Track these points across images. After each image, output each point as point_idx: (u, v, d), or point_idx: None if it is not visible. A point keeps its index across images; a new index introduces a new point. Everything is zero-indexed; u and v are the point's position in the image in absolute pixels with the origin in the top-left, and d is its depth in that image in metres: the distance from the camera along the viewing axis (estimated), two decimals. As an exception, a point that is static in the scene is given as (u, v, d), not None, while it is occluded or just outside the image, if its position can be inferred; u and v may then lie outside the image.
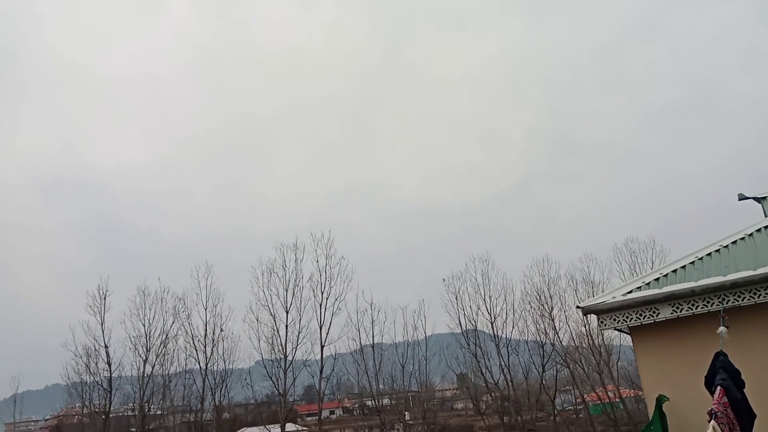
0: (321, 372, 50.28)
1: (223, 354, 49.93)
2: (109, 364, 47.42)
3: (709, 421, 4.93)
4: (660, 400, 9.12)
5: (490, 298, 51.40)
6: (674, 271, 10.20)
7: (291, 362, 50.04)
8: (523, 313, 51.20)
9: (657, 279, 10.10)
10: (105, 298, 48.31)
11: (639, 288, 9.92)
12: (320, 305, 49.95)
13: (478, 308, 51.59)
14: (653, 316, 9.48)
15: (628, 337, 9.97)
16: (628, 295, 9.77)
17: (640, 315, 9.58)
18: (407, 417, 52.26)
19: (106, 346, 47.51)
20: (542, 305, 50.79)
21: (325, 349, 50.24)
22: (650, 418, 9.08)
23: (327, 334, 50.01)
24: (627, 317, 9.66)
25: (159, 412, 52.51)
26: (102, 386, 47.67)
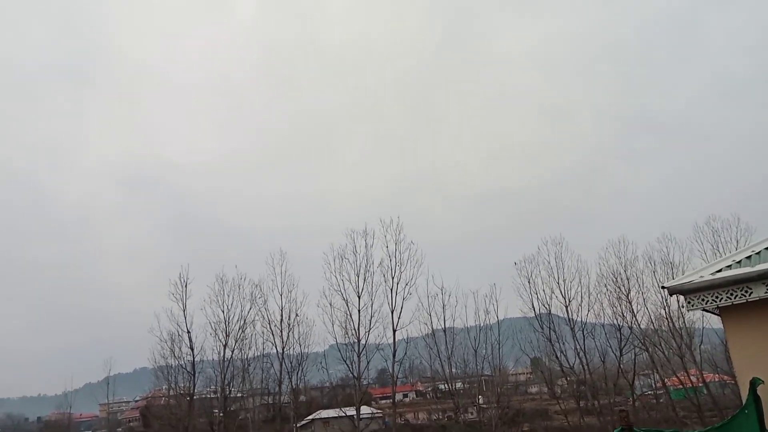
0: (394, 355, 50.84)
1: (299, 338, 51.34)
2: (192, 349, 49.63)
3: None
4: (754, 383, 8.81)
5: (564, 281, 50.48)
6: (767, 248, 9.80)
7: (364, 346, 50.77)
8: (598, 296, 50.05)
9: (749, 257, 9.70)
10: (186, 286, 50.51)
11: (729, 266, 9.55)
12: (391, 290, 50.43)
13: (552, 291, 50.79)
14: (746, 296, 9.04)
15: (712, 320, 9.71)
16: (718, 273, 9.39)
17: (731, 294, 9.16)
18: (480, 400, 52.19)
19: (188, 332, 49.75)
20: (619, 287, 49.46)
21: (397, 333, 50.79)
22: (743, 401, 8.79)
23: (398, 318, 50.50)
24: (717, 297, 9.27)
25: (239, 395, 54.54)
26: (186, 369, 49.97)
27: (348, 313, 50.59)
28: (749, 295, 9.02)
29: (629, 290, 49.20)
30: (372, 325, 50.92)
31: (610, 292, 49.73)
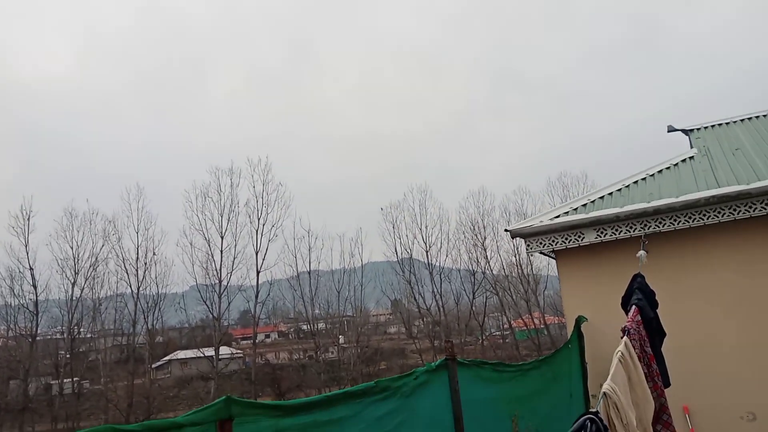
0: (256, 297, 50.51)
1: (156, 278, 49.34)
2: (35, 287, 46.07)
3: (622, 338, 5.00)
4: (579, 321, 9.29)
5: (426, 227, 52.26)
6: (601, 197, 10.19)
7: (226, 287, 49.96)
8: (456, 242, 52.67)
9: (584, 205, 10.01)
10: (29, 219, 46.41)
11: (566, 213, 9.85)
12: (256, 231, 49.72)
13: (414, 237, 52.47)
14: (578, 240, 9.38)
15: (555, 267, 10.18)
16: (555, 219, 9.64)
17: (566, 239, 9.47)
18: (341, 340, 53.43)
19: (31, 269, 45.99)
20: (476, 235, 52.06)
21: (261, 275, 50.41)
22: (569, 335, 9.27)
23: (263, 260, 50.06)
24: (553, 241, 9.54)
25: (89, 336, 51.75)
26: (27, 309, 46.42)
27: (210, 253, 49.35)
28: (581, 240, 9.39)
29: (485, 238, 51.93)
30: (235, 267, 50.13)
31: (468, 239, 52.33)
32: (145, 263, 48.77)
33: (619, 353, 4.54)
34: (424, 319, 53.69)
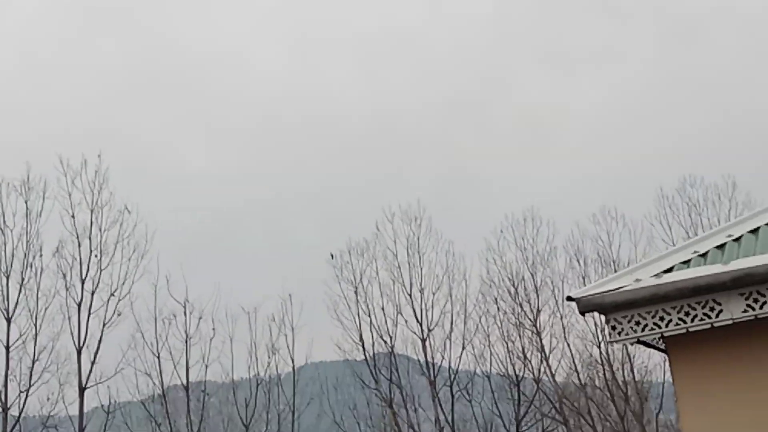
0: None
1: None
2: None
3: None
4: None
5: (422, 291, 26.77)
6: (754, 231, 6.36)
7: (17, 422, 23.98)
8: (482, 321, 26.94)
9: (721, 246, 6.20)
10: None
11: (687, 263, 6.06)
12: (78, 306, 24.39)
13: (398, 312, 26.78)
14: (710, 316, 5.63)
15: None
16: (666, 275, 5.94)
17: (687, 314, 5.72)
18: None
19: None
20: (520, 306, 26.82)
21: (89, 394, 24.15)
22: None
23: (93, 364, 24.43)
24: (661, 319, 5.78)
25: None
26: None
27: None
28: (717, 315, 5.67)
29: (538, 311, 26.76)
30: (35, 380, 24.17)
31: (505, 314, 26.94)
32: None
33: None
34: (422, 479, 26.90)
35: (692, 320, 5.78)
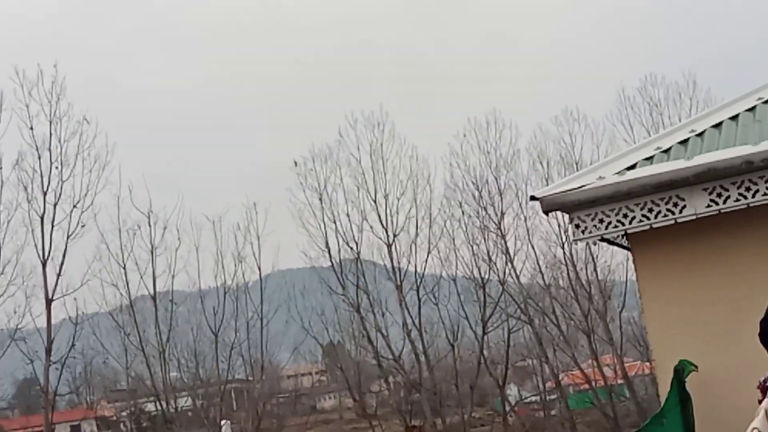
0: (48, 353, 23.84)
1: None
2: None
3: (761, 400, 2.90)
4: (681, 371, 5.71)
5: (387, 196, 26.50)
6: (717, 126, 6.21)
7: None
8: (447, 224, 26.91)
9: (685, 141, 6.07)
10: None
11: (649, 159, 5.97)
12: (41, 219, 23.66)
13: (363, 217, 26.61)
14: (674, 211, 5.57)
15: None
16: (629, 172, 5.85)
17: (650, 210, 5.63)
18: (226, 429, 27.04)
19: None
20: (484, 209, 26.73)
21: (56, 306, 23.61)
22: (663, 400, 5.84)
23: (59, 276, 23.52)
24: (625, 216, 5.71)
25: None
26: None
27: None
28: (680, 211, 5.58)
29: (503, 213, 26.72)
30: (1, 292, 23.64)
31: (470, 217, 26.90)
32: None
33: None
34: (390, 380, 27.64)
35: (656, 216, 5.76)
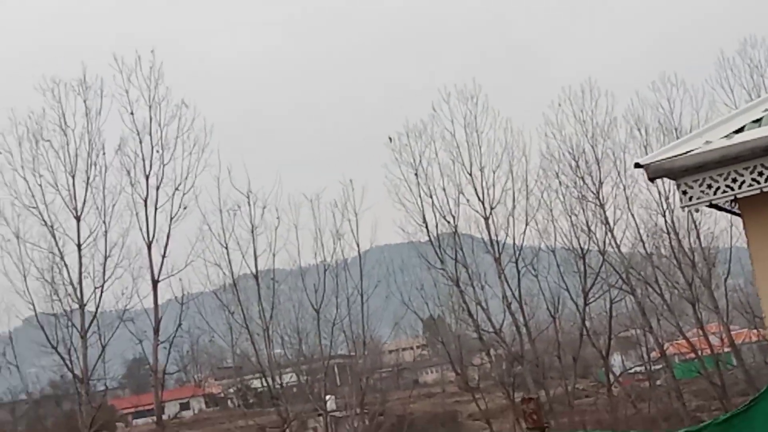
0: (156, 332, 24.71)
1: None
2: None
3: None
4: None
5: (483, 169, 26.44)
6: None
7: (94, 317, 24.14)
8: (545, 196, 26.77)
9: None
10: None
11: (757, 121, 5.62)
12: (144, 202, 24.29)
13: (460, 191, 26.65)
14: None
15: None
16: (737, 135, 5.52)
17: (760, 173, 5.25)
18: (331, 404, 27.61)
19: None
20: (581, 179, 26.44)
21: (162, 287, 24.50)
22: None
23: (164, 258, 24.47)
24: (734, 180, 5.39)
25: None
26: None
27: (56, 252, 24.09)
28: None
29: (601, 183, 26.42)
30: (108, 275, 24.69)
31: (567, 188, 26.68)
32: None
33: None
34: (492, 353, 27.74)
35: (766, 180, 5.50)
